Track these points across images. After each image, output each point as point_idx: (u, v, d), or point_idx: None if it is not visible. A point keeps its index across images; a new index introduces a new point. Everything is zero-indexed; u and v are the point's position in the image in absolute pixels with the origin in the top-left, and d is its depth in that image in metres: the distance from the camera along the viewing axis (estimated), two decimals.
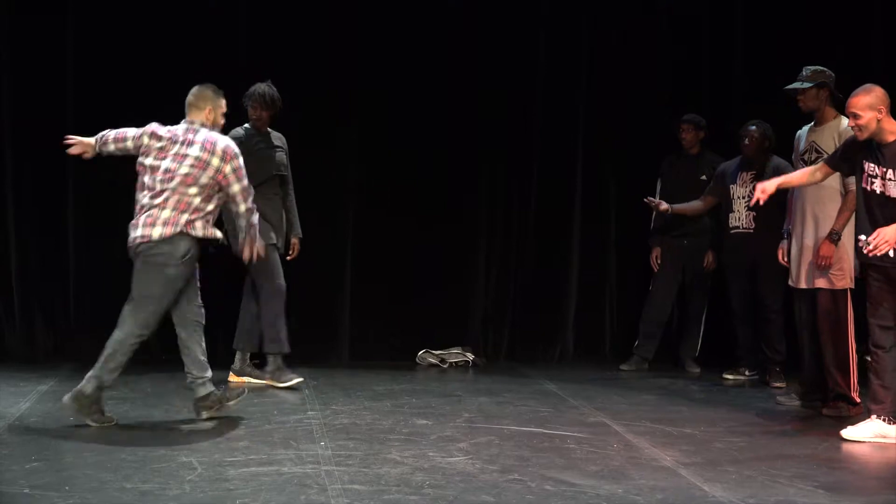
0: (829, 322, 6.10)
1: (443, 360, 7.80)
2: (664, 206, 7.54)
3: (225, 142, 5.51)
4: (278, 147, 6.78)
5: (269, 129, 6.77)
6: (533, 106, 8.10)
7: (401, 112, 7.81)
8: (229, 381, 6.65)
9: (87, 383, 5.37)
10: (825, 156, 6.11)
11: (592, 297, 8.25)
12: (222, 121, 5.62)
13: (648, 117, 8.12)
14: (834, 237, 6.03)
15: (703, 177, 7.71)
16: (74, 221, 7.55)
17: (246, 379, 6.71)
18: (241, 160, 5.51)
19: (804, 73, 6.23)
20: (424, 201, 7.88)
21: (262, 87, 6.65)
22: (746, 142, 7.29)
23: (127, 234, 5.47)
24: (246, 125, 6.70)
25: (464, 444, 5.23)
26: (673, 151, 7.87)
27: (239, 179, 5.50)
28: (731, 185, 7.39)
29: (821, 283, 6.12)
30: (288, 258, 6.83)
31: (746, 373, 7.47)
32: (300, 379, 6.63)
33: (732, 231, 7.39)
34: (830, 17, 7.88)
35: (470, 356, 7.85)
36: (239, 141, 6.46)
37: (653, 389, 6.99)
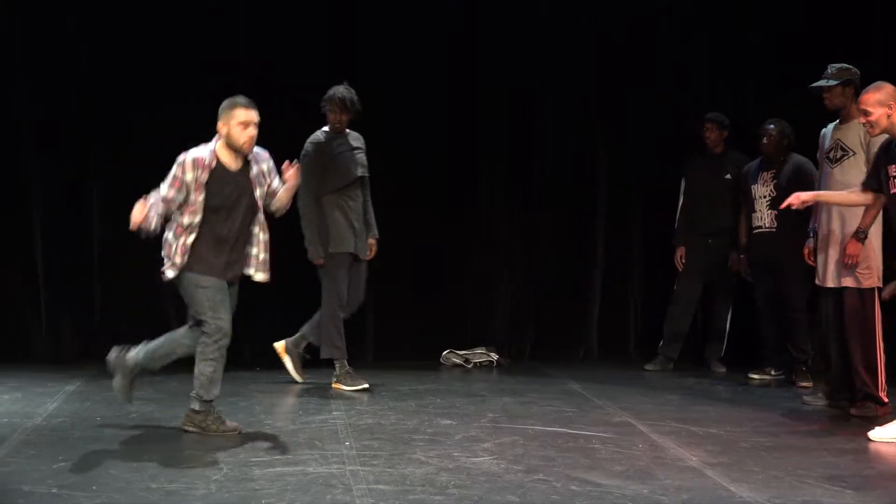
0: (857, 321, 6.06)
1: (467, 361, 7.80)
2: (740, 266, 7.53)
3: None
4: (358, 148, 6.72)
5: (349, 131, 6.72)
6: (553, 105, 8.08)
7: (421, 116, 7.80)
8: (275, 346, 6.80)
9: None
10: (850, 154, 6.09)
11: (617, 296, 8.23)
12: (237, 133, 5.22)
13: (670, 116, 8.09)
14: (861, 235, 6.00)
15: (728, 176, 7.68)
16: (100, 225, 7.59)
17: (286, 358, 6.78)
18: (174, 169, 5.25)
19: (830, 71, 6.19)
20: (449, 201, 7.89)
21: (340, 91, 6.57)
22: (765, 140, 7.27)
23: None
24: (325, 129, 6.65)
25: (488, 444, 5.22)
26: (696, 151, 7.84)
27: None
28: (752, 185, 7.37)
29: (848, 281, 6.08)
30: (366, 259, 6.78)
31: (772, 372, 7.43)
32: (365, 385, 6.60)
33: (755, 231, 7.36)
34: (830, 16, 7.84)
35: (494, 356, 7.85)
36: (318, 145, 6.56)
37: (678, 389, 6.97)
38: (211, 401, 5.32)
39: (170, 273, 5.33)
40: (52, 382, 6.65)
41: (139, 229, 5.16)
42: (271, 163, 5.42)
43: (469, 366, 7.77)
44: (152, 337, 7.54)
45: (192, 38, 7.56)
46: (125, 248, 7.56)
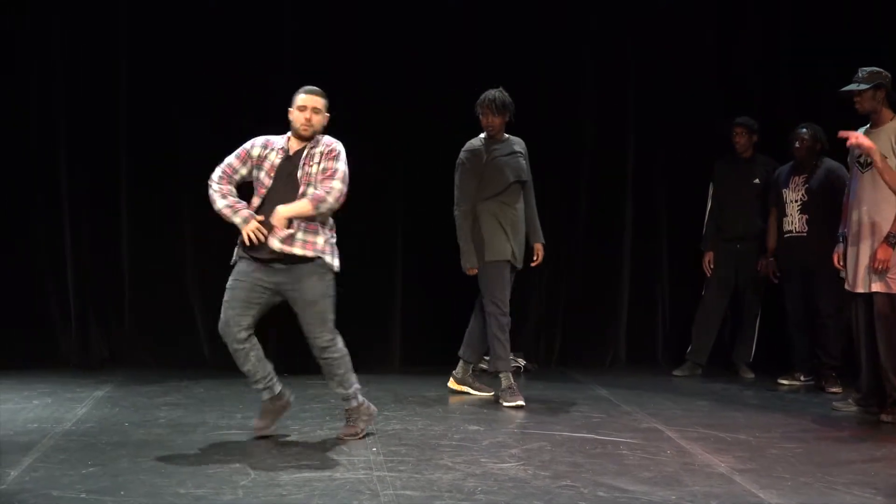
0: (887, 326, 6.02)
1: None
2: (769, 271, 7.49)
3: None
4: (516, 153, 6.53)
5: (507, 136, 6.58)
6: (581, 109, 8.06)
7: (447, 119, 7.79)
8: (450, 386, 6.76)
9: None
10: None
11: (645, 302, 8.20)
12: (295, 116, 5.31)
13: (699, 120, 8.07)
14: (891, 240, 5.95)
15: (756, 180, 7.65)
16: (128, 230, 7.63)
17: (465, 388, 6.73)
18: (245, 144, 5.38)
19: (860, 75, 6.15)
20: None
21: (491, 93, 6.46)
22: (797, 145, 7.25)
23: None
24: (482, 135, 6.55)
25: (516, 450, 5.22)
26: (725, 155, 7.80)
27: None
28: (783, 190, 7.34)
29: (877, 286, 6.03)
30: (532, 264, 6.71)
31: (801, 378, 7.38)
32: (521, 402, 6.37)
33: (786, 235, 7.33)
34: (876, 16, 7.79)
35: (521, 362, 7.83)
36: (471, 152, 6.50)
37: (706, 395, 6.93)
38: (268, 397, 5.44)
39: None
40: (81, 388, 6.70)
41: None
42: (327, 148, 5.33)
43: (494, 371, 7.74)
44: (179, 343, 7.66)
45: (226, 44, 7.58)
46: (154, 253, 7.63)
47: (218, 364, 7.54)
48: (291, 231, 5.19)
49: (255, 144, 5.38)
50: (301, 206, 5.19)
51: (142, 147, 7.60)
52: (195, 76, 7.56)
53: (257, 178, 5.34)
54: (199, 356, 7.63)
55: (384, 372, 7.60)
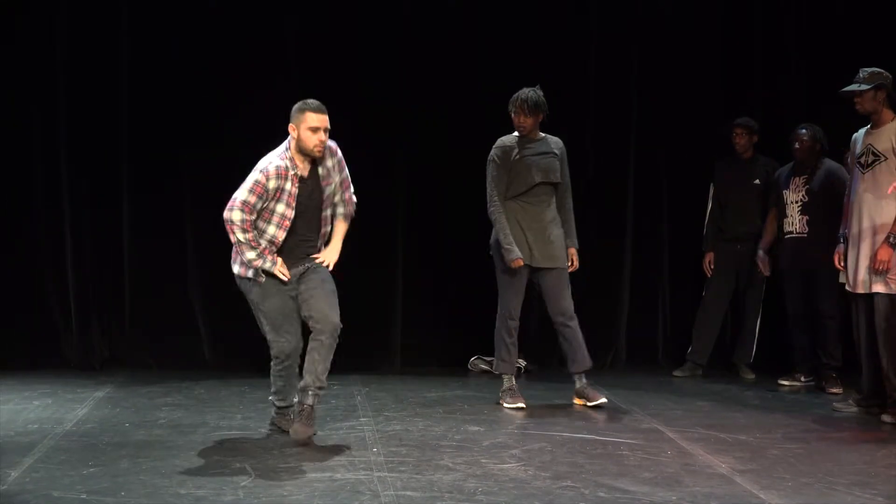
0: (887, 327, 6.02)
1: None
2: (764, 264, 7.47)
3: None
4: (547, 153, 6.40)
5: (544, 135, 6.45)
6: (583, 110, 8.06)
7: (444, 121, 7.80)
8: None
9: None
10: (882, 159, 6.04)
11: (645, 302, 8.20)
12: (307, 137, 5.19)
13: (699, 121, 8.06)
14: (892, 241, 5.95)
15: (756, 181, 7.64)
16: (129, 231, 7.63)
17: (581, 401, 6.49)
18: (255, 175, 5.23)
19: (861, 75, 6.15)
20: (474, 206, 7.85)
21: (524, 92, 6.34)
22: (797, 146, 7.25)
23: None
24: (515, 133, 6.44)
25: (516, 451, 5.22)
26: (726, 156, 7.80)
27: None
28: (783, 190, 7.34)
29: (878, 287, 6.03)
30: (568, 269, 6.49)
31: (802, 379, 7.38)
32: (522, 405, 6.35)
33: (786, 236, 7.33)
34: (884, 17, 7.78)
35: (522, 362, 7.82)
36: (500, 149, 6.42)
37: (707, 395, 6.93)
38: (282, 406, 5.49)
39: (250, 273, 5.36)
40: (81, 388, 6.70)
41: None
42: (336, 158, 5.39)
43: (497, 372, 7.74)
44: (180, 344, 7.66)
45: (228, 44, 7.57)
46: (155, 254, 7.63)
47: (218, 365, 7.57)
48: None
49: (269, 176, 5.18)
50: (342, 235, 5.45)
51: (143, 148, 7.60)
52: (196, 76, 7.56)
53: (273, 210, 5.23)
54: (199, 357, 7.63)
55: (385, 372, 7.60)
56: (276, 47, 7.67)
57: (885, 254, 5.95)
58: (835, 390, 7.03)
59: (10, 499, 4.29)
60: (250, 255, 5.21)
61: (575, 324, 6.43)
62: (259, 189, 5.18)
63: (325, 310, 5.26)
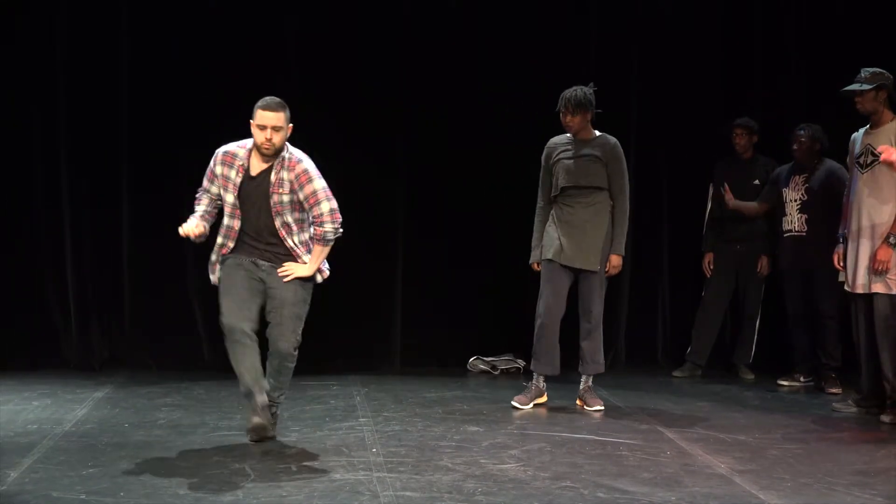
0: (886, 327, 6.02)
1: (494, 367, 7.79)
2: (729, 195, 7.43)
3: None
4: (588, 156, 6.25)
5: (598, 134, 6.34)
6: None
7: (444, 120, 7.80)
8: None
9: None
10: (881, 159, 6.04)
11: (645, 303, 8.19)
12: (255, 134, 5.18)
13: (700, 121, 8.06)
14: (891, 241, 5.95)
15: (756, 181, 7.64)
16: (128, 231, 7.63)
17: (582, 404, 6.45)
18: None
19: (862, 75, 6.15)
20: (474, 207, 7.87)
21: (569, 91, 6.25)
22: (795, 146, 7.27)
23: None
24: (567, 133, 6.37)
25: (515, 451, 5.21)
26: (725, 156, 7.80)
27: None
28: (783, 189, 7.34)
29: (878, 287, 6.03)
30: (605, 274, 6.36)
31: (801, 379, 7.38)
32: (519, 405, 6.32)
33: (786, 235, 7.34)
34: (884, 17, 7.78)
35: (521, 362, 7.82)
36: (545, 149, 6.40)
37: (706, 396, 6.93)
38: (245, 394, 5.24)
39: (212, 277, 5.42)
40: (81, 389, 6.70)
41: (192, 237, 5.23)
42: (295, 173, 5.20)
43: (496, 372, 7.76)
44: (179, 345, 7.66)
45: (228, 44, 7.57)
46: (155, 254, 7.62)
47: (217, 365, 7.54)
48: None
49: (216, 160, 5.30)
50: (316, 256, 5.27)
51: (142, 148, 7.59)
52: (196, 76, 7.55)
53: (223, 199, 5.29)
54: (199, 358, 7.63)
55: (384, 373, 7.60)
56: (276, 47, 7.67)
57: (884, 254, 5.95)
58: (834, 390, 7.03)
59: (9, 499, 4.29)
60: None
61: (595, 327, 6.38)
62: (209, 172, 5.33)
63: (278, 338, 5.22)
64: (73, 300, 7.54)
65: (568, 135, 6.36)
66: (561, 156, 6.32)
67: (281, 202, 5.20)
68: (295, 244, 5.26)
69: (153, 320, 7.65)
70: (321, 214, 5.23)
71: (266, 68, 7.57)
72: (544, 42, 7.89)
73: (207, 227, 5.29)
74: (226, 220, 5.31)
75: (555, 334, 6.37)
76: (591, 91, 6.31)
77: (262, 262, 5.28)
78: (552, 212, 6.37)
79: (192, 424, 5.73)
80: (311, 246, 5.29)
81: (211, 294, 7.52)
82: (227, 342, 5.24)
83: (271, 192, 5.19)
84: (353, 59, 7.71)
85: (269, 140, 5.13)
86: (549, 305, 6.33)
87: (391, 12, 7.77)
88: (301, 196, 5.21)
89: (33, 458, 4.93)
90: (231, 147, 5.30)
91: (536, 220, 6.47)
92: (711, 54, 8.17)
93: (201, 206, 5.36)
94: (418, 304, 7.89)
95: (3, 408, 6.08)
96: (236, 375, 5.23)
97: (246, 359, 5.18)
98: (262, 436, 5.24)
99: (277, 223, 5.24)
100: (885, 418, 6.04)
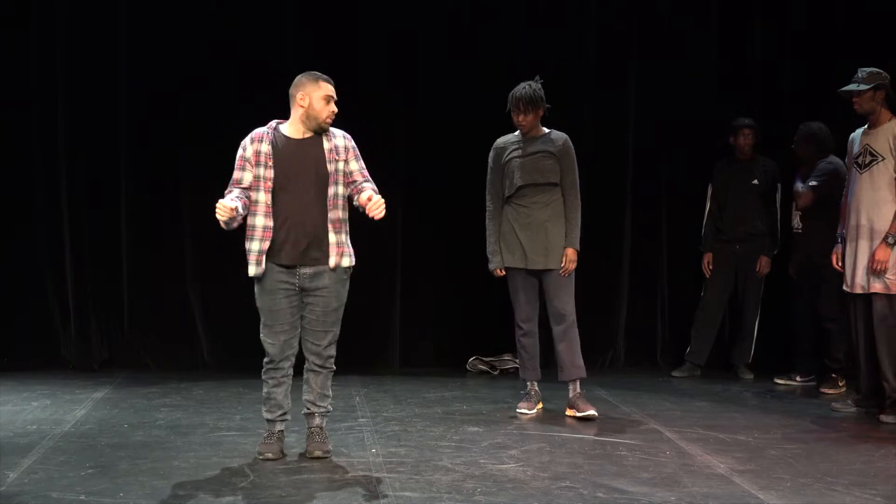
0: (885, 327, 6.02)
1: (493, 367, 7.79)
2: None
3: None
4: (541, 153, 6.08)
5: (547, 131, 6.15)
6: (582, 110, 8.05)
7: (446, 118, 7.80)
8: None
9: None
10: (879, 159, 6.04)
11: (644, 302, 8.19)
12: (320, 107, 5.00)
13: (699, 121, 8.06)
14: (890, 241, 5.95)
15: (755, 181, 7.64)
16: (128, 231, 7.62)
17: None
18: (238, 152, 5.05)
19: (860, 75, 6.15)
20: (473, 206, 7.85)
21: (518, 89, 6.06)
22: (792, 146, 7.28)
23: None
24: (517, 131, 6.21)
25: (515, 451, 5.22)
26: (726, 156, 7.80)
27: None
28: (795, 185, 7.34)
29: (876, 287, 6.03)
30: (561, 271, 6.09)
31: (798, 378, 7.38)
32: (526, 411, 6.20)
33: (793, 232, 7.41)
34: (884, 17, 7.79)
35: (510, 361, 7.81)
36: (493, 149, 6.22)
37: (705, 396, 6.93)
38: (269, 420, 5.11)
39: (251, 270, 5.02)
40: (80, 389, 6.70)
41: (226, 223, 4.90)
42: (350, 143, 5.11)
43: (495, 373, 7.76)
44: (179, 345, 7.67)
45: (228, 43, 7.57)
46: (154, 255, 7.63)
47: (217, 366, 7.56)
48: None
49: (244, 145, 5.05)
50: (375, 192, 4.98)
51: (142, 148, 7.59)
52: (196, 76, 7.56)
53: (259, 177, 4.98)
54: (198, 358, 7.63)
55: (383, 373, 7.60)
56: (276, 47, 7.67)
57: (882, 254, 5.96)
58: (827, 391, 7.03)
59: (8, 500, 4.29)
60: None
61: (566, 328, 6.10)
62: (240, 161, 5.03)
63: (318, 344, 5.05)
64: (72, 300, 7.54)
65: (516, 133, 6.16)
66: (512, 155, 6.12)
67: (338, 170, 5.02)
68: (341, 218, 5.06)
69: (152, 320, 7.65)
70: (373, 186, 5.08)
71: (266, 68, 7.56)
72: (544, 42, 7.88)
73: (241, 209, 4.91)
74: (261, 197, 4.97)
75: (537, 340, 6.29)
76: (540, 85, 6.10)
77: (303, 270, 4.99)
78: (507, 214, 6.16)
79: (192, 425, 5.73)
80: (347, 226, 5.09)
81: (211, 294, 7.60)
82: (269, 371, 5.06)
83: (327, 157, 4.99)
84: (352, 59, 7.70)
85: (335, 112, 5.04)
86: (529, 314, 6.22)
87: (391, 12, 7.77)
88: (356, 167, 5.08)
89: (32, 458, 4.93)
90: (254, 130, 5.09)
91: (489, 224, 6.24)
92: (711, 54, 8.16)
93: (233, 195, 4.99)
94: (418, 304, 7.89)
95: (2, 408, 6.08)
96: (265, 397, 5.09)
97: (283, 388, 5.09)
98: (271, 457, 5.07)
99: (337, 191, 5.02)
100: (885, 418, 6.04)
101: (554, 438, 5.53)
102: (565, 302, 6.12)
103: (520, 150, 6.14)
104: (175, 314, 7.64)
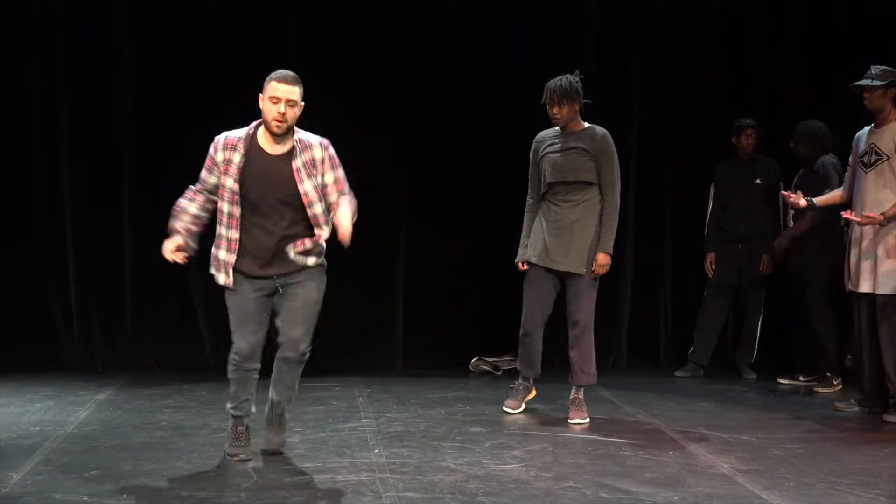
0: (889, 326, 6.01)
1: (496, 368, 7.79)
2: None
3: None
4: (571, 149, 5.93)
5: (587, 126, 6.02)
6: (583, 110, 8.04)
7: (447, 118, 7.79)
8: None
9: None
10: (884, 158, 6.05)
11: (647, 303, 8.19)
12: (267, 108, 4.75)
13: (700, 122, 8.06)
14: (884, 222, 5.96)
15: (758, 181, 7.64)
16: (130, 233, 7.62)
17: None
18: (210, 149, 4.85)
19: (873, 72, 6.13)
20: (477, 208, 7.86)
21: (553, 81, 5.93)
22: (791, 144, 7.28)
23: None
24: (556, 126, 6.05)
25: (518, 452, 5.21)
26: (726, 156, 7.80)
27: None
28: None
29: (880, 286, 6.03)
30: (591, 275, 6.01)
31: (801, 378, 7.38)
32: (510, 409, 6.17)
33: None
34: (884, 17, 7.79)
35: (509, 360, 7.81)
36: (535, 143, 6.11)
37: (708, 396, 6.93)
38: (236, 417, 5.02)
39: (220, 278, 4.91)
40: (83, 391, 6.70)
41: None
42: (326, 152, 4.81)
43: (498, 373, 7.75)
44: (182, 346, 7.66)
45: (229, 42, 7.55)
46: (157, 256, 7.55)
47: (220, 367, 7.53)
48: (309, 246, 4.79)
49: (216, 147, 4.81)
50: (352, 213, 4.74)
51: (144, 149, 7.59)
52: (196, 76, 7.55)
53: (225, 186, 4.75)
54: (201, 359, 7.63)
55: (386, 374, 7.59)
56: (276, 47, 7.67)
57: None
58: (821, 390, 7.04)
59: (12, 502, 4.29)
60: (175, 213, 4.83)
61: (582, 335, 6.01)
62: (208, 161, 4.82)
63: (295, 334, 4.83)
64: (74, 302, 7.53)
65: (556, 128, 6.04)
66: (548, 150, 6.01)
67: (319, 185, 4.79)
68: (317, 212, 4.82)
69: (155, 321, 7.65)
70: (351, 199, 4.89)
71: (266, 68, 7.54)
72: (544, 42, 7.88)
73: (191, 242, 4.86)
74: (224, 207, 4.80)
75: (538, 340, 6.20)
76: (578, 79, 6.01)
77: (278, 279, 4.85)
78: (542, 210, 6.09)
79: (195, 426, 5.73)
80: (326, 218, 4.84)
81: (214, 295, 7.56)
82: (236, 371, 4.97)
83: (306, 173, 4.74)
84: (352, 59, 7.71)
85: (283, 115, 4.67)
86: (533, 312, 6.12)
87: (391, 12, 7.77)
88: (330, 178, 4.82)
89: (36, 460, 4.93)
90: (231, 133, 4.85)
91: (526, 216, 6.20)
92: (711, 54, 8.16)
93: (189, 211, 4.89)
94: (420, 304, 7.88)
95: (5, 410, 6.08)
96: (232, 395, 5.01)
97: (250, 386, 4.99)
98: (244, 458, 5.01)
99: (312, 213, 4.79)
100: (889, 418, 6.03)
101: (557, 439, 5.53)
102: (582, 308, 5.99)
103: (555, 146, 6.00)
104: (178, 315, 7.63)
